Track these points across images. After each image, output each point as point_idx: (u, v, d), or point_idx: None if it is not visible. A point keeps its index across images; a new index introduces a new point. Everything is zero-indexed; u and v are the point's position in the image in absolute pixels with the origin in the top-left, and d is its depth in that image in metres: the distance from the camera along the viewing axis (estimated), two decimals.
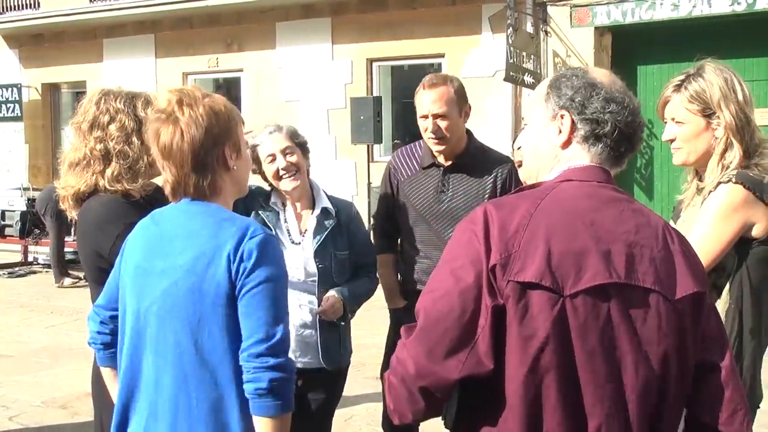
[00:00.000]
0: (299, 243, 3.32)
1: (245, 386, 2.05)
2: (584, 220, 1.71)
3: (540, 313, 1.63)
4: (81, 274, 10.56)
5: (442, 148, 3.62)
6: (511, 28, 10.36)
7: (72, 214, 2.86)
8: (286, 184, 3.30)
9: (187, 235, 2.11)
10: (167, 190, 2.23)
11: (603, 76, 1.85)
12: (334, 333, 3.33)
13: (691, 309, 1.73)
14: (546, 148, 1.85)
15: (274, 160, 3.31)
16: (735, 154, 2.48)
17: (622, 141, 1.80)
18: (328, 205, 3.38)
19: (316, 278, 3.29)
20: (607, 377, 1.66)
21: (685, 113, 2.56)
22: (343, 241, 3.36)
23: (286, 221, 3.35)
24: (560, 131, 1.81)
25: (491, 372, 1.66)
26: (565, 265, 1.65)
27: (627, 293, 1.67)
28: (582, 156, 1.81)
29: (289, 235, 3.33)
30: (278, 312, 2.07)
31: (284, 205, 3.38)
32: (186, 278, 2.07)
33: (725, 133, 2.50)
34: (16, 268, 12.22)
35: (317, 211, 3.34)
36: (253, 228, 2.10)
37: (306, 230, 3.35)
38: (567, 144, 1.82)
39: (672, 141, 2.63)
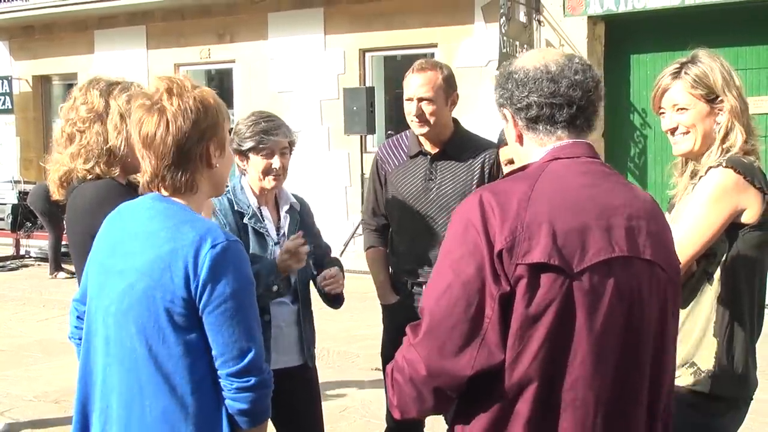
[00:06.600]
0: (278, 243, 3.19)
1: (227, 402, 2.02)
2: (582, 196, 1.71)
3: (547, 293, 1.63)
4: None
5: (425, 131, 3.58)
6: (504, 18, 10.32)
7: (56, 195, 2.86)
8: (270, 182, 3.14)
9: (146, 236, 2.03)
10: (142, 181, 2.16)
11: (525, 58, 1.84)
12: (309, 326, 3.29)
13: (676, 279, 1.81)
14: (513, 144, 1.88)
15: (271, 156, 3.13)
16: (737, 137, 2.46)
17: (559, 111, 1.77)
18: (294, 200, 3.30)
19: (296, 276, 3.18)
20: (614, 350, 1.67)
21: (689, 98, 2.51)
22: (308, 236, 3.23)
23: (263, 222, 3.20)
24: (512, 128, 1.85)
25: (502, 362, 1.64)
26: (571, 243, 1.65)
27: (630, 266, 1.70)
28: (535, 145, 1.81)
29: (268, 235, 3.18)
30: (249, 325, 2.01)
31: (258, 205, 3.21)
32: (141, 281, 1.99)
33: (728, 117, 2.47)
34: (8, 262, 12.19)
35: (286, 207, 3.25)
36: (213, 236, 1.99)
37: (281, 228, 3.23)
38: (519, 138, 1.84)
39: (673, 130, 2.57)
